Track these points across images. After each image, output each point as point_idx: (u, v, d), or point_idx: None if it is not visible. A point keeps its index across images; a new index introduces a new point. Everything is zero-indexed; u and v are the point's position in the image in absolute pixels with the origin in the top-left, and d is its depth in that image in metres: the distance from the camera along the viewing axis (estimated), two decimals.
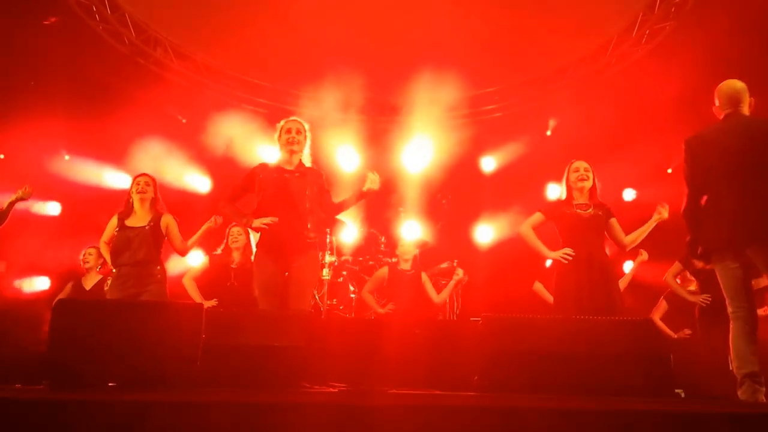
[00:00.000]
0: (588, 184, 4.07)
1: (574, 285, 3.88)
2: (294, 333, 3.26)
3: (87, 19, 7.08)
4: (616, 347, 3.15)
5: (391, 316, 5.38)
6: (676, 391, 4.07)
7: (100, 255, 5.23)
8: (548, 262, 5.35)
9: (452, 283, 5.70)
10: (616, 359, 3.12)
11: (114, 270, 4.31)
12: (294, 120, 4.07)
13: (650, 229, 4.11)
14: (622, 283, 5.64)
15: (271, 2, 7.15)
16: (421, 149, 7.97)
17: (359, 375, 3.66)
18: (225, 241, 5.13)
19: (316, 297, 5.82)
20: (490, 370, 3.15)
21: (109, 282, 4.39)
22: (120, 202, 4.56)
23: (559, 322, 3.37)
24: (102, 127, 6.83)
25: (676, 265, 5.05)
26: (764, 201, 3.10)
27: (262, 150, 7.28)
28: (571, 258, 3.92)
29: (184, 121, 8.05)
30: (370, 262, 6.47)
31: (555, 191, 4.94)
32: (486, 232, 8.13)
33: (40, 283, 7.11)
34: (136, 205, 4.41)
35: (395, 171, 7.94)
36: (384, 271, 5.61)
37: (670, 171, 7.71)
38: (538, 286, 5.56)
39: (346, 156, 7.97)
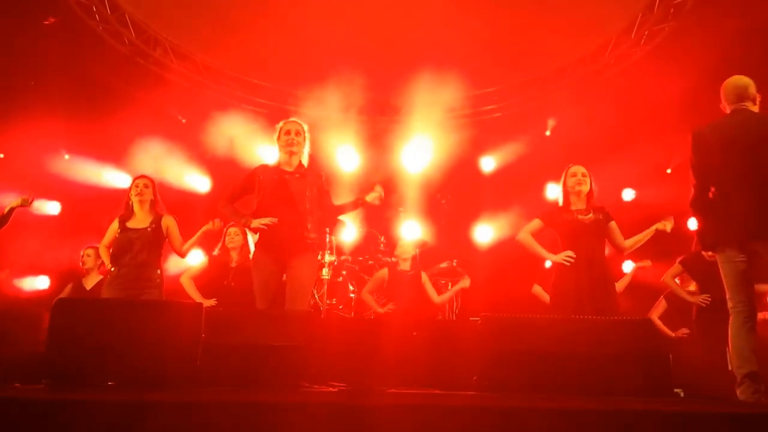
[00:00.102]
0: (585, 188, 4.07)
1: (573, 288, 3.88)
2: (294, 332, 3.26)
3: (87, 20, 7.08)
4: (616, 347, 3.16)
5: (390, 315, 5.38)
6: (675, 390, 4.07)
7: (98, 256, 5.23)
8: (548, 263, 5.36)
9: (456, 288, 5.79)
10: (615, 359, 3.13)
11: (113, 269, 4.31)
12: (293, 121, 4.08)
13: (650, 236, 4.10)
14: (621, 284, 5.66)
15: (271, 2, 7.15)
16: (421, 149, 7.98)
17: (359, 374, 3.66)
18: (222, 240, 5.13)
19: (316, 296, 5.82)
20: (490, 370, 3.15)
21: (107, 281, 4.39)
22: (119, 201, 4.56)
23: (559, 322, 3.37)
24: (102, 127, 6.83)
25: (676, 266, 5.05)
26: None
27: (262, 150, 7.28)
28: (572, 260, 3.92)
29: (183, 121, 8.05)
30: (370, 262, 6.47)
31: (554, 191, 4.94)
32: (485, 232, 8.13)
33: (39, 283, 7.12)
34: (136, 207, 4.42)
35: (395, 171, 7.94)
36: (384, 272, 5.62)
37: (669, 171, 7.73)
38: (537, 289, 5.56)
39: (346, 156, 7.98)
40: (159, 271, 4.37)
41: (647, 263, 5.60)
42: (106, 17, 7.19)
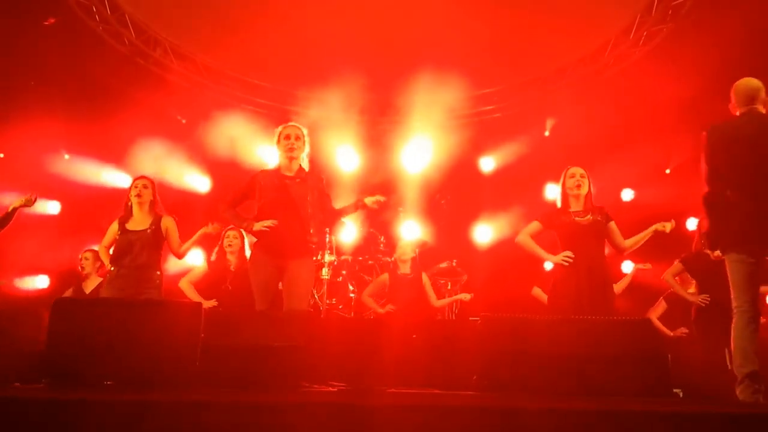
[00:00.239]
0: (584, 190, 4.07)
1: (573, 289, 3.88)
2: (293, 333, 3.26)
3: (87, 20, 7.08)
4: (615, 347, 3.16)
5: (390, 316, 5.38)
6: (674, 390, 4.07)
7: (96, 259, 5.22)
8: (547, 265, 5.36)
9: (455, 298, 6.01)
10: (614, 359, 3.13)
11: (113, 269, 4.31)
12: (292, 125, 4.09)
13: (649, 236, 4.11)
14: (621, 285, 5.66)
15: (271, 2, 7.15)
16: (421, 149, 7.98)
17: (358, 374, 3.66)
18: (220, 243, 5.12)
19: (316, 297, 5.83)
20: (489, 370, 3.15)
21: (106, 281, 4.40)
22: (119, 202, 4.56)
23: (558, 322, 3.38)
24: (101, 127, 6.84)
25: (677, 265, 5.04)
26: None
27: (262, 150, 7.29)
28: (571, 260, 3.92)
29: (183, 121, 8.05)
30: (370, 262, 6.48)
31: (553, 192, 4.94)
32: (485, 233, 8.14)
33: (39, 282, 7.12)
34: (135, 208, 4.41)
35: (395, 171, 7.95)
36: (384, 277, 5.63)
37: (668, 171, 7.74)
38: (537, 291, 5.57)
39: (345, 156, 7.98)
40: (159, 272, 4.38)
41: (647, 266, 5.61)
42: (106, 17, 7.19)
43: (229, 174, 7.00)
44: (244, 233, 4.92)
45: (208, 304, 4.87)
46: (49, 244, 6.69)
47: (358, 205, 4.07)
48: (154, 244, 4.34)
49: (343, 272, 6.26)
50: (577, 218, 4.03)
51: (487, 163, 8.47)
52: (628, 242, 4.10)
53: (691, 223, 6.46)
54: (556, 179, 4.29)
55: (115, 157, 7.25)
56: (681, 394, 4.38)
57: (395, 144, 8.13)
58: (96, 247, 4.97)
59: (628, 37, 7.40)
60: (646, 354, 3.17)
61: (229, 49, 7.71)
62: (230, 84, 8.34)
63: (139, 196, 4.39)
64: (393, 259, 5.80)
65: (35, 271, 7.03)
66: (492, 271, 7.26)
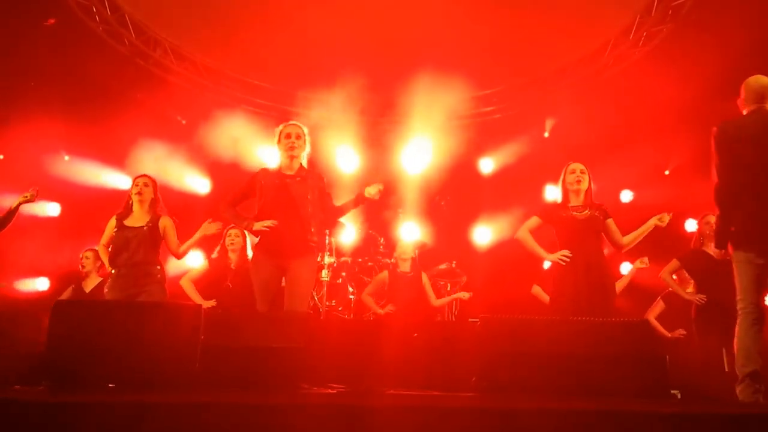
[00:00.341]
0: (584, 186, 4.07)
1: (571, 287, 3.88)
2: (293, 334, 3.26)
3: (87, 20, 7.08)
4: (613, 348, 3.16)
5: (390, 317, 5.39)
6: (672, 391, 4.08)
7: (96, 258, 5.23)
8: (546, 264, 5.36)
9: (455, 296, 6.02)
10: (612, 360, 3.13)
11: (113, 271, 4.32)
12: (293, 124, 4.08)
13: (648, 232, 4.11)
14: (620, 285, 5.66)
15: (272, 3, 7.16)
16: (420, 150, 7.99)
17: (358, 376, 3.67)
18: (221, 242, 5.13)
19: (315, 298, 5.83)
20: (489, 371, 3.16)
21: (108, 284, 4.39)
22: (120, 203, 4.56)
23: (557, 323, 3.38)
24: (101, 127, 6.83)
25: (674, 262, 5.02)
26: None
27: (262, 151, 7.29)
28: (568, 260, 3.93)
29: (183, 122, 8.06)
30: (369, 263, 6.49)
31: (553, 192, 4.94)
32: (484, 234, 8.14)
33: (39, 284, 7.12)
34: (135, 206, 4.42)
35: (394, 172, 7.95)
36: (384, 275, 5.64)
37: (667, 173, 7.74)
38: (537, 290, 5.57)
39: (345, 156, 7.99)
40: (159, 267, 4.36)
41: (645, 261, 5.59)
42: (106, 18, 7.20)
43: (230, 175, 7.00)
44: (246, 232, 4.92)
45: (207, 304, 4.88)
46: (48, 246, 6.68)
47: (359, 199, 4.02)
48: (151, 241, 4.32)
49: (343, 274, 6.27)
50: (574, 213, 4.03)
51: (487, 164, 8.48)
52: (627, 239, 4.10)
53: (690, 225, 6.46)
54: (555, 180, 4.29)
55: (116, 158, 7.25)
56: (679, 395, 4.38)
57: (395, 145, 8.14)
58: (97, 247, 4.97)
59: (627, 38, 7.41)
60: (644, 355, 3.17)
61: (229, 49, 7.72)
62: (230, 85, 8.34)
63: (139, 194, 4.39)
64: (393, 258, 5.81)
65: (35, 273, 7.02)
66: (491, 273, 7.26)
